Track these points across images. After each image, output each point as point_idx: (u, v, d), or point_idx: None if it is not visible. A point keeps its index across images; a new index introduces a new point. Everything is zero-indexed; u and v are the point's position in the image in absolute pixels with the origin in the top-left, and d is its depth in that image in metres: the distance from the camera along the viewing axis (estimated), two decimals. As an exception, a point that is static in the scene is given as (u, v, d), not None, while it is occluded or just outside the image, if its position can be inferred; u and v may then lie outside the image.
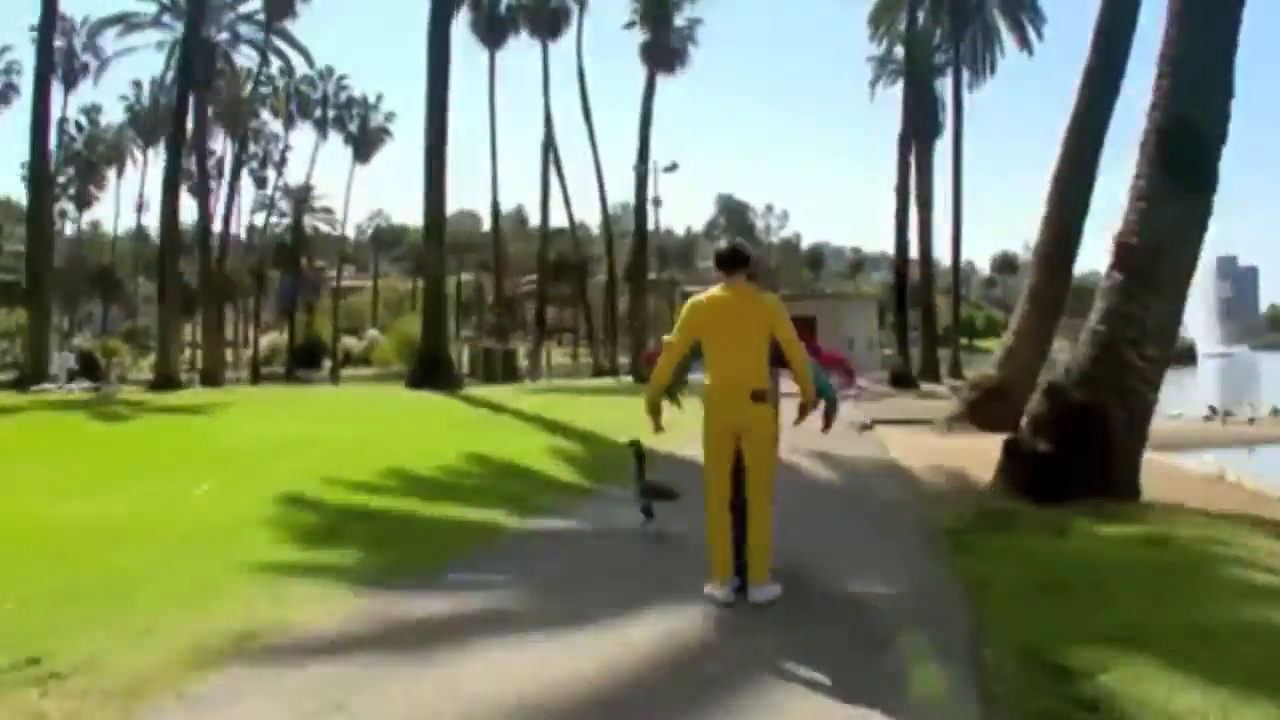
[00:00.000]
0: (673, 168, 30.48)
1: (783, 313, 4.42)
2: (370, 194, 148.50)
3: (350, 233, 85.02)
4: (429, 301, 24.66)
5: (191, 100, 34.83)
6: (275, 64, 58.10)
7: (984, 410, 13.72)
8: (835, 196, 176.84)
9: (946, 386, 26.87)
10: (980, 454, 10.66)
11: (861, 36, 39.94)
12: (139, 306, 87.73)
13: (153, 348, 77.71)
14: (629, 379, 26.67)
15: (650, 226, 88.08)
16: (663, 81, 33.72)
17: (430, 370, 23.58)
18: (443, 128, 23.94)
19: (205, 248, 35.78)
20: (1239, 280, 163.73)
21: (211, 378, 32.56)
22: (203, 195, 35.09)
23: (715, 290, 4.40)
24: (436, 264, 24.75)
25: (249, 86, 53.88)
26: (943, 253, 31.77)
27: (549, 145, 36.14)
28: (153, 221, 52.02)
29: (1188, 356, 54.72)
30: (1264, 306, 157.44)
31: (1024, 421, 7.86)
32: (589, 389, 23.78)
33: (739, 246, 4.46)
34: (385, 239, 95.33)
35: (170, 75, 36.16)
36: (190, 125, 34.93)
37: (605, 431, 11.64)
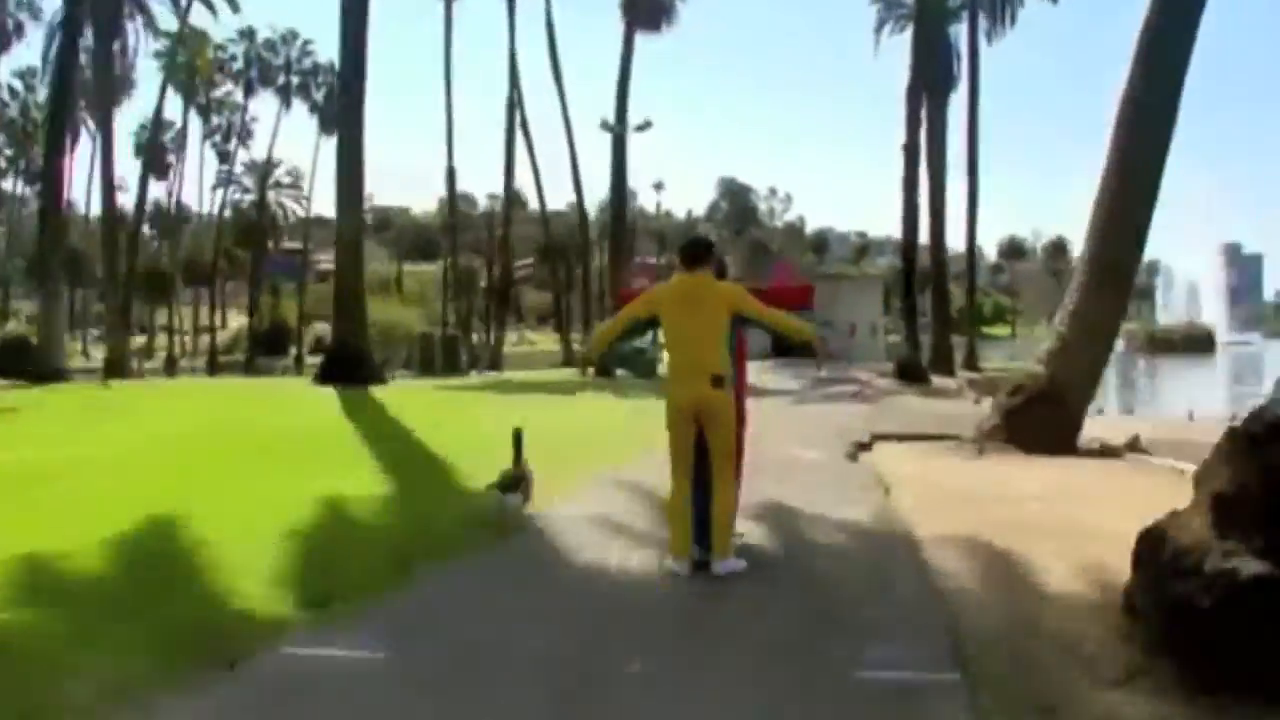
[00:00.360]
0: (646, 125, 26.27)
1: (745, 294, 4.64)
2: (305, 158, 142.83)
3: (328, 211, 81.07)
4: (340, 280, 20.49)
5: (93, 53, 30.59)
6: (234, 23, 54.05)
7: (1028, 422, 9.55)
8: (840, 180, 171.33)
9: (962, 380, 22.62)
10: (1044, 507, 6.51)
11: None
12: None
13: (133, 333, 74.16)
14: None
15: (650, 209, 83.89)
16: (653, 46, 29.34)
17: (341, 362, 19.49)
18: (360, 60, 19.80)
19: (108, 222, 31.32)
20: (1244, 268, 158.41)
21: (116, 367, 28.43)
22: (106, 163, 30.59)
23: (674, 281, 4.67)
24: (350, 235, 20.55)
25: (205, 48, 50.10)
26: (953, 230, 27.19)
27: (514, 108, 31.81)
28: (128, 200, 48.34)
29: (1206, 344, 50.64)
30: (1269, 294, 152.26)
31: (1192, 499, 3.63)
32: (535, 384, 19.61)
33: (701, 240, 4.92)
34: (378, 221, 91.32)
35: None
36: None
37: (481, 460, 7.51)
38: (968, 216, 27.31)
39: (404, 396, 15.35)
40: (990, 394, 22.71)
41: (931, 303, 24.77)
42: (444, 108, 30.31)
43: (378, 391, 16.37)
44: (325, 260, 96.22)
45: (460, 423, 11.56)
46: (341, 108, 20.16)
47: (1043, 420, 9.49)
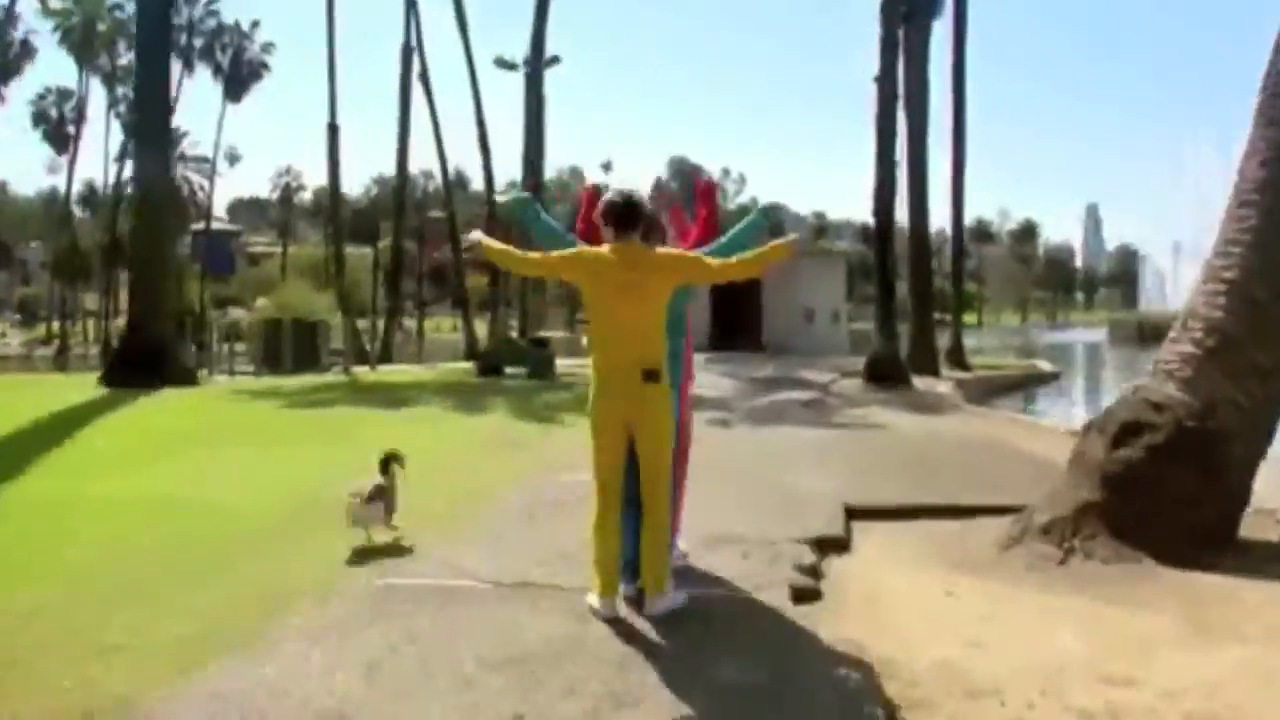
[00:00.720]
0: (553, 61, 21.32)
1: (690, 258, 3.75)
2: (250, 142, 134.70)
3: (257, 189, 75.21)
4: (135, 248, 15.34)
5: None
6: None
7: (1157, 495, 4.82)
8: (798, 161, 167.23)
9: (950, 382, 17.99)
10: None
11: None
12: (34, 273, 77.91)
13: (43, 317, 67.63)
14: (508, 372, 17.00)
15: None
16: (598, 19, 24.12)
17: (134, 356, 14.48)
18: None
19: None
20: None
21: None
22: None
23: (604, 250, 3.63)
24: (153, 188, 15.36)
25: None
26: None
27: (410, 55, 26.38)
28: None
29: None
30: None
31: None
32: (387, 386, 14.54)
33: (633, 200, 3.65)
34: (313, 204, 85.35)
35: None
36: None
37: None
38: (953, 175, 22.44)
39: (149, 412, 10.36)
40: (979, 396, 18.23)
41: (910, 282, 19.93)
42: (326, 52, 24.88)
43: (148, 400, 11.38)
44: (260, 243, 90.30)
45: (116, 477, 6.67)
46: (140, 29, 15.11)
47: (1186, 492, 4.77)
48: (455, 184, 79.71)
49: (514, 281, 23.54)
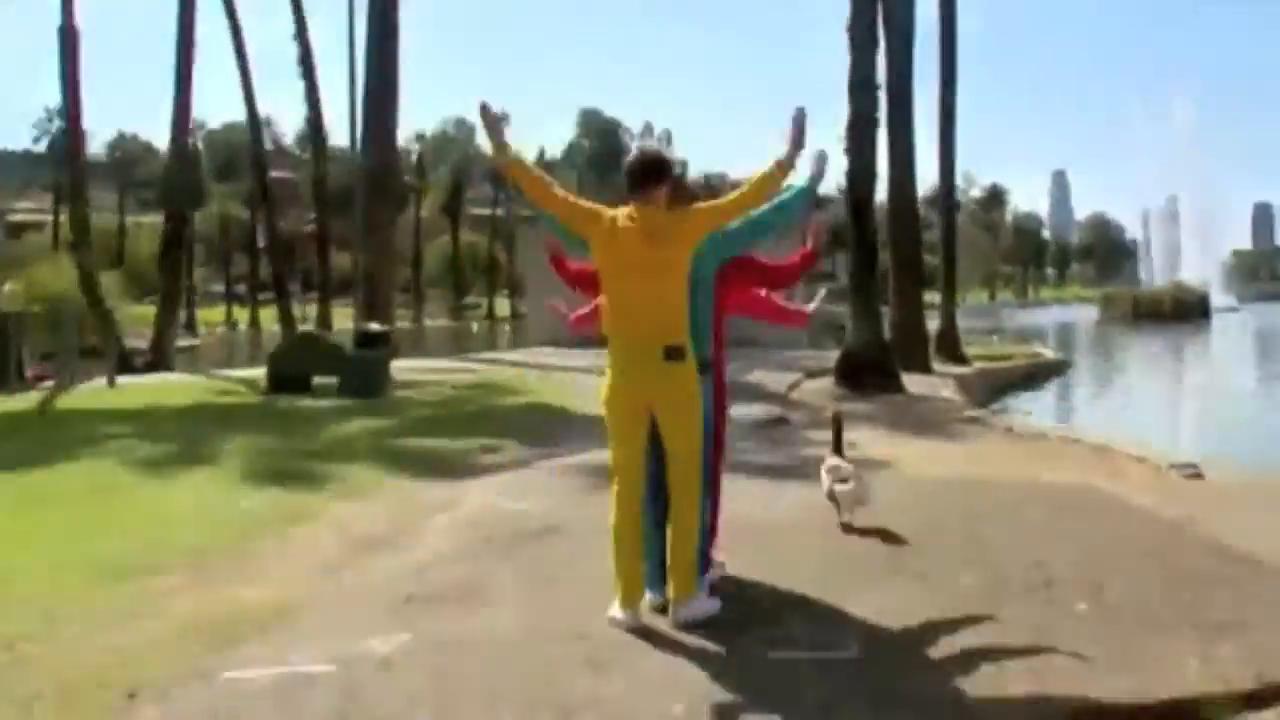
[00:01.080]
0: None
1: (697, 213, 3.94)
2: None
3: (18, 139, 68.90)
4: None
5: None
6: None
7: None
8: (732, 117, 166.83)
9: (952, 384, 15.55)
10: None
11: None
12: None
13: None
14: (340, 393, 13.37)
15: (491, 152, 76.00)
16: None
17: None
18: None
19: None
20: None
21: None
22: None
23: (624, 214, 3.92)
24: None
25: None
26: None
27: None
28: None
29: (1199, 310, 48.80)
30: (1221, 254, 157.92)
31: None
32: (94, 414, 11.23)
33: (654, 156, 4.03)
34: (124, 158, 79.16)
35: None
36: None
37: None
38: (941, 112, 19.73)
39: None
40: (987, 397, 15.91)
41: (892, 252, 16.99)
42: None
43: None
44: (25, 209, 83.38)
45: None
46: None
47: None
48: (305, 137, 74.84)
49: (364, 258, 20.15)
